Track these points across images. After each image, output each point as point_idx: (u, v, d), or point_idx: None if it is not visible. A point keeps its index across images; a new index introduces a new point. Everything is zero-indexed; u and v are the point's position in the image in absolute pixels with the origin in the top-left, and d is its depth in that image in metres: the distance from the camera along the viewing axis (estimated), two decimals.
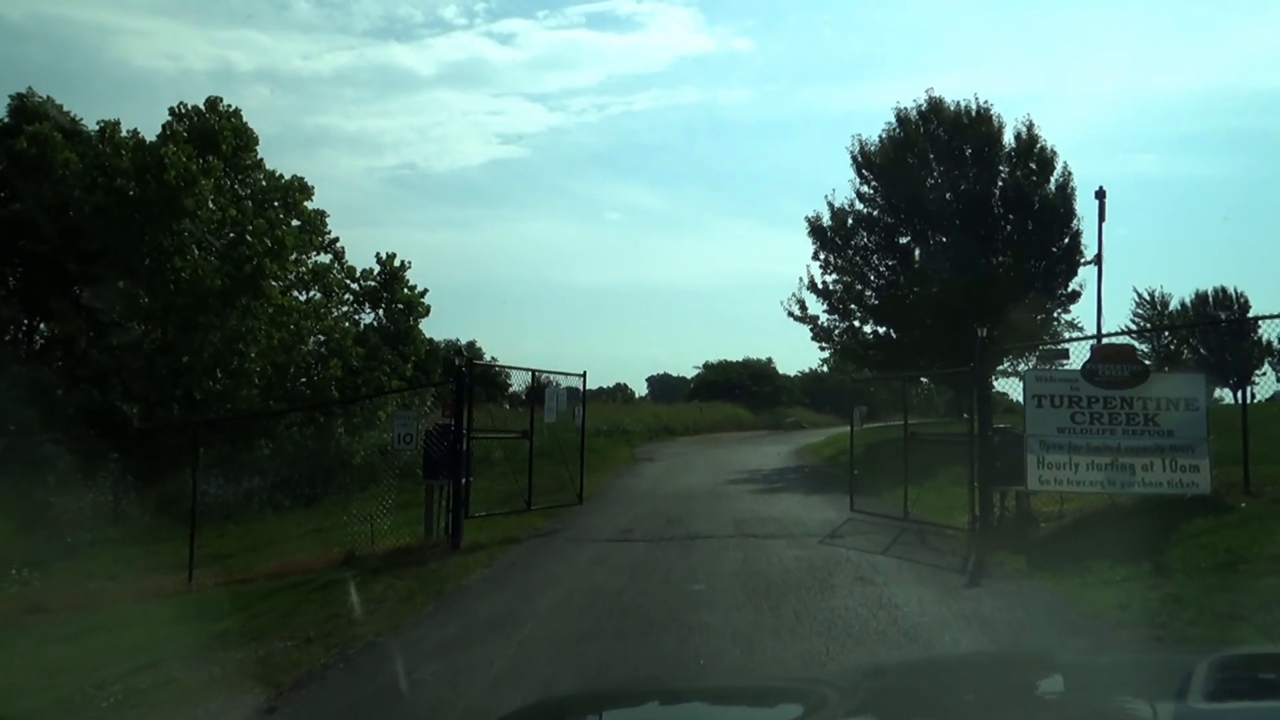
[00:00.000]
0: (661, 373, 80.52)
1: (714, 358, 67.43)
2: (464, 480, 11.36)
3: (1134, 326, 48.55)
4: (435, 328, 53.34)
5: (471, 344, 56.10)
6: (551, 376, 15.01)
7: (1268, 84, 73.74)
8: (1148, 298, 60.12)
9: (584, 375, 15.51)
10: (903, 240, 29.83)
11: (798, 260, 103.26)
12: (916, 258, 29.46)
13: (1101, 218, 22.15)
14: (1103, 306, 24.02)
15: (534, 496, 13.45)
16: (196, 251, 22.94)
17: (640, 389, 73.32)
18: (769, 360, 67.31)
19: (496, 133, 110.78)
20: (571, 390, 14.73)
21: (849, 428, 16.56)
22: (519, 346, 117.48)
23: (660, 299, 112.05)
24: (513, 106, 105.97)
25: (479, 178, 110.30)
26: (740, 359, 66.57)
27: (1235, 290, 59.68)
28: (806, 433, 45.23)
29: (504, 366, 18.43)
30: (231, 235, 23.94)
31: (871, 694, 2.25)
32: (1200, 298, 60.93)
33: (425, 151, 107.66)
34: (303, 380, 24.50)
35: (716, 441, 38.84)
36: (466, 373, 11.52)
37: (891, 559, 9.85)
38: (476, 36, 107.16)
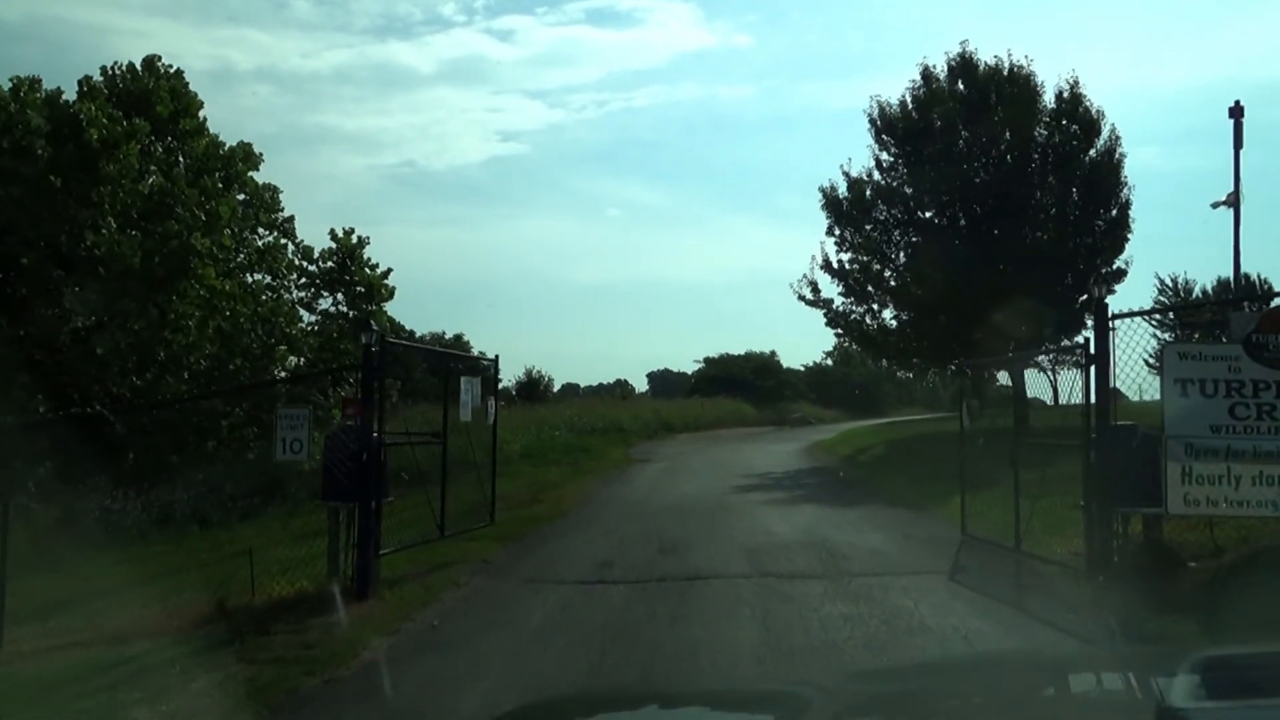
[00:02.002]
0: (662, 368, 77.44)
1: (715, 353, 64.25)
2: (374, 503, 8.18)
3: (1158, 315, 45.34)
4: (433, 324, 50.57)
5: (459, 337, 53.06)
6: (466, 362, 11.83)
7: (1270, 77, 70.66)
8: (1170, 284, 57.02)
9: (496, 360, 12.43)
10: (927, 213, 26.62)
11: (798, 256, 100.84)
12: (941, 232, 26.22)
13: (1238, 144, 18.42)
14: (1240, 258, 20.33)
15: (453, 519, 10.27)
16: (114, 224, 19.75)
17: (641, 385, 70.16)
18: (773, 353, 64.11)
19: (496, 130, 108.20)
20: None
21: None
22: (517, 345, 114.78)
23: (661, 295, 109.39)
24: (512, 104, 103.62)
25: (479, 175, 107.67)
26: (743, 352, 63.41)
27: (1259, 277, 56.75)
28: (815, 429, 42.23)
29: (411, 345, 15.20)
30: (161, 206, 20.75)
31: (856, 698, 2.23)
32: (1223, 285, 57.84)
33: (425, 149, 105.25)
34: (245, 373, 21.25)
35: (719, 439, 35.79)
36: (377, 355, 8.36)
37: (986, 619, 6.68)
38: (476, 33, 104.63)
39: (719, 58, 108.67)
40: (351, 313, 23.53)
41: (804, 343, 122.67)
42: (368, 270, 23.91)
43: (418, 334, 42.90)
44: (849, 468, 22.61)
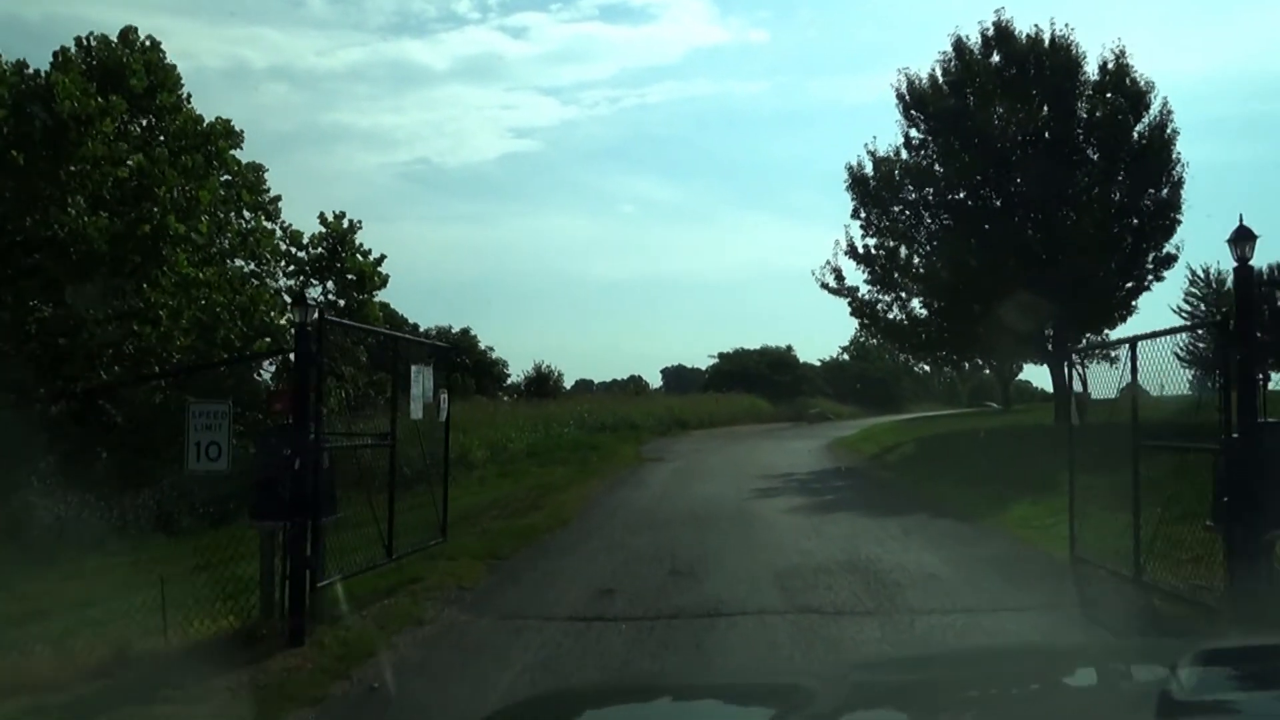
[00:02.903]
0: (676, 364, 75.77)
1: (730, 348, 62.51)
2: (310, 522, 6.51)
3: (1188, 307, 43.13)
4: (439, 320, 49.08)
5: (465, 332, 51.49)
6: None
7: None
8: (1202, 276, 54.90)
9: (450, 347, 10.80)
10: (959, 194, 24.77)
11: (812, 252, 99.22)
12: (975, 214, 24.37)
13: None
14: None
15: (405, 535, 8.61)
16: (83, 203, 18.21)
17: (656, 381, 68.52)
18: (788, 348, 62.28)
19: (510, 127, 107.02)
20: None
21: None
22: (530, 341, 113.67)
23: (675, 291, 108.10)
24: (526, 100, 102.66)
25: (492, 172, 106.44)
26: (758, 347, 61.67)
27: None
28: (834, 425, 40.48)
29: (357, 326, 13.30)
30: (135, 186, 19.20)
31: (857, 689, 2.18)
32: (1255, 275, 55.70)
33: (439, 146, 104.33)
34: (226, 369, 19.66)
35: (734, 436, 34.09)
36: (314, 336, 6.69)
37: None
38: (490, 30, 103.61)
39: (732, 53, 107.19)
40: (341, 302, 21.95)
41: (820, 337, 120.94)
42: (359, 257, 22.31)
43: (422, 328, 41.47)
44: (878, 468, 20.86)
